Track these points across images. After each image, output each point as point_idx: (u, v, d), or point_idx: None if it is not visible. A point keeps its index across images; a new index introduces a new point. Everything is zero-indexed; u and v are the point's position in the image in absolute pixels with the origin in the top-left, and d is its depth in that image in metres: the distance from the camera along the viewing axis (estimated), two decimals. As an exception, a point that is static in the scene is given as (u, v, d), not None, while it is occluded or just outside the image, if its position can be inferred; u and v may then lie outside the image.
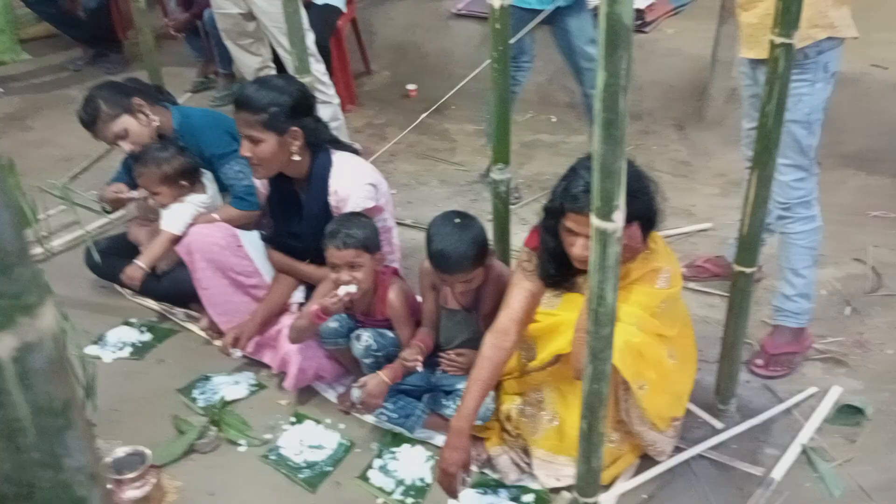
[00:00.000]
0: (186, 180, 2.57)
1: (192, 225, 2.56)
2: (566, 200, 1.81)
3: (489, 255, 2.10)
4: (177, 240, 2.54)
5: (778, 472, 2.06)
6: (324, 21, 3.92)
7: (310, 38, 3.12)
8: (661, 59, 4.01)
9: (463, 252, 2.01)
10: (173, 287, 2.62)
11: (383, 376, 2.12)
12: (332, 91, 3.37)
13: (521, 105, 4.22)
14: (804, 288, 2.38)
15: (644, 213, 1.85)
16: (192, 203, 2.61)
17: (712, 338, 2.49)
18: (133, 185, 2.67)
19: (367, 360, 2.21)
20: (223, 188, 2.67)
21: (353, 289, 2.11)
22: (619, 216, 1.14)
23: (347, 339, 2.23)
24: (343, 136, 3.06)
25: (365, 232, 2.13)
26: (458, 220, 2.08)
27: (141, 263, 2.55)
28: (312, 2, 3.92)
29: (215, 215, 2.58)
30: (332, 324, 2.21)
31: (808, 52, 2.12)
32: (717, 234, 3.11)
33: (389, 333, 2.24)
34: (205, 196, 2.64)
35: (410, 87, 4.43)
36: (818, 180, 2.36)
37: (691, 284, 2.80)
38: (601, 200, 1.12)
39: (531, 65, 3.43)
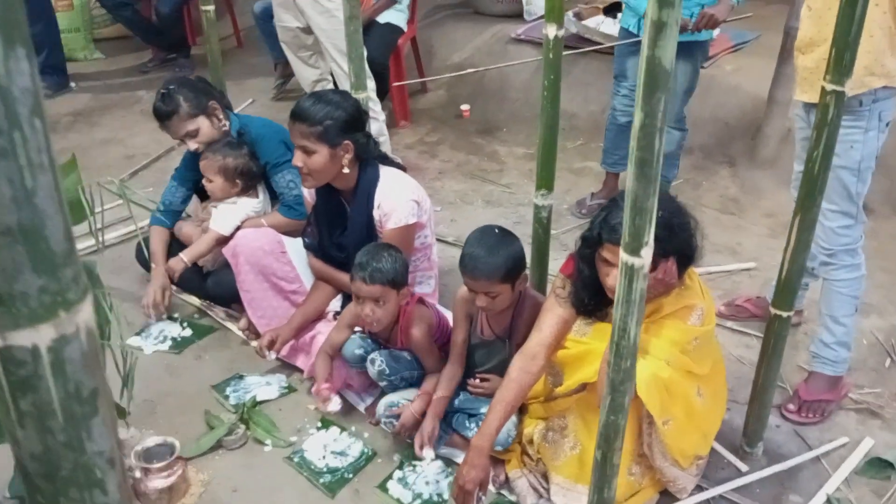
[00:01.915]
0: (242, 181, 2.66)
1: (239, 228, 2.65)
2: (604, 231, 1.83)
3: (521, 279, 2.12)
4: (224, 240, 2.63)
5: (801, 521, 2.03)
6: (384, 39, 4.01)
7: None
8: (718, 95, 3.99)
9: (493, 261, 2.02)
10: (217, 286, 2.71)
11: (414, 410, 2.16)
12: (378, 108, 3.46)
13: (572, 132, 4.25)
14: (844, 336, 2.34)
15: (682, 249, 1.86)
16: (243, 206, 2.70)
17: (746, 378, 2.46)
18: (191, 184, 2.78)
19: (382, 383, 2.28)
20: (273, 195, 2.75)
21: (336, 407, 2.25)
22: (648, 252, 1.16)
23: None
24: (387, 153, 3.12)
25: (394, 267, 2.14)
26: (497, 232, 2.11)
27: (184, 257, 2.63)
28: (375, 20, 4.02)
29: (263, 220, 2.66)
30: (357, 350, 2.27)
31: (863, 99, 2.10)
32: (760, 274, 3.08)
33: (406, 356, 2.27)
34: (256, 201, 2.72)
35: (464, 107, 4.49)
36: (865, 228, 2.32)
37: (729, 323, 2.78)
38: (631, 236, 1.14)
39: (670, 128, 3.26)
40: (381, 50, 3.96)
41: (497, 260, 2.03)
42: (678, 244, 1.84)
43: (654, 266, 1.81)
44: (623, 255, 1.17)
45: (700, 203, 3.58)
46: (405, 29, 4.22)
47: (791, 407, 2.39)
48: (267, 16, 3.97)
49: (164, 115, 2.66)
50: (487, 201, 3.67)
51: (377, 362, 2.22)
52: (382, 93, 3.89)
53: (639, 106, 1.07)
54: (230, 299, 2.71)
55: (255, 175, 2.69)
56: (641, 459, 2.02)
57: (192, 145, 2.70)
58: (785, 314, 2.04)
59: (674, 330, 1.91)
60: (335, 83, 3.64)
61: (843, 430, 2.35)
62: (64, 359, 0.45)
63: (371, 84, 3.41)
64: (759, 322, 2.76)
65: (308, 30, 3.56)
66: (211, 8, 2.96)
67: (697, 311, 1.94)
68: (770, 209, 3.54)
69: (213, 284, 2.72)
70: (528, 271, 2.18)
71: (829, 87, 1.76)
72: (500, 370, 2.15)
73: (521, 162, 4.02)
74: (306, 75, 3.74)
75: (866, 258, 2.34)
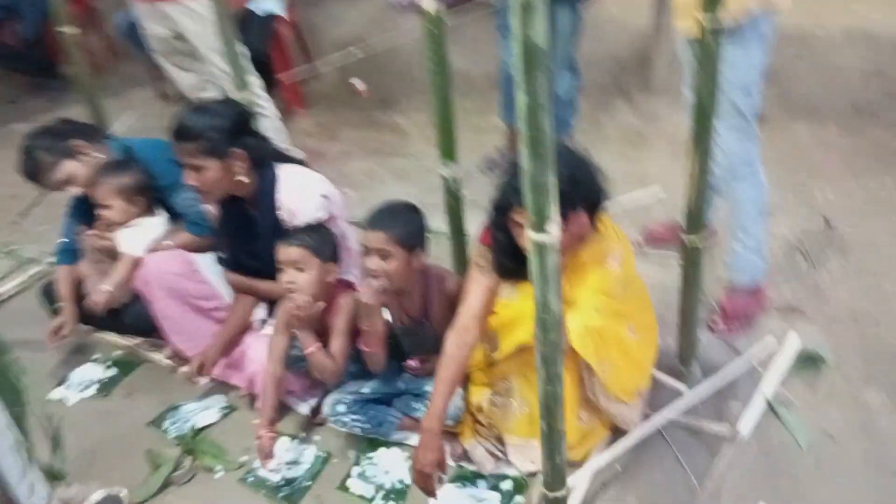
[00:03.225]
0: (142, 197, 2.55)
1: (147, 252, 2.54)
2: (511, 195, 1.83)
3: (417, 255, 2.09)
4: (139, 262, 2.51)
5: (744, 426, 2.11)
6: (263, 30, 3.91)
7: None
8: (603, 31, 4.04)
9: (393, 219, 2.05)
10: (134, 319, 2.58)
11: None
12: (267, 103, 3.35)
13: (469, 91, 4.20)
14: (755, 245, 2.43)
15: (589, 197, 1.88)
16: (147, 226, 2.58)
17: (672, 301, 2.51)
18: (86, 216, 2.64)
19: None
20: (173, 215, 2.64)
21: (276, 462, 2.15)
22: (554, 227, 1.16)
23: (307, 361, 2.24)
24: (284, 146, 3.03)
25: (320, 238, 2.13)
26: (409, 202, 2.15)
27: (107, 286, 2.49)
28: (251, 12, 3.87)
29: (170, 242, 2.56)
30: (292, 351, 2.22)
31: (742, 23, 2.13)
32: (670, 198, 3.16)
33: (348, 351, 2.22)
34: (159, 219, 2.60)
35: (357, 83, 4.40)
36: (759, 141, 2.39)
37: (647, 250, 2.85)
38: (534, 214, 1.14)
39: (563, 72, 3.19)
40: (261, 41, 3.83)
41: (396, 217, 2.06)
42: (584, 194, 1.86)
43: (566, 220, 1.82)
44: (531, 235, 1.17)
45: (603, 140, 3.64)
46: (283, 14, 4.08)
47: (717, 320, 2.48)
48: (132, 30, 3.78)
49: (30, 175, 2.56)
50: (396, 175, 3.63)
51: None
52: (271, 85, 3.77)
53: (521, 89, 1.05)
54: (150, 330, 2.59)
55: (153, 189, 2.57)
56: (587, 404, 2.06)
57: (74, 191, 2.58)
58: (697, 238, 2.09)
59: (595, 277, 1.94)
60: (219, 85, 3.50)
61: (770, 332, 2.45)
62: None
63: (255, 80, 3.29)
64: (676, 244, 2.83)
65: (180, 35, 3.40)
66: (70, 30, 2.78)
67: (615, 253, 1.98)
68: (670, 133, 3.62)
69: (129, 317, 2.59)
70: (428, 254, 2.16)
71: (707, 23, 1.76)
72: (434, 351, 2.14)
73: (423, 129, 3.98)
74: (186, 81, 3.59)
75: (767, 168, 2.42)
